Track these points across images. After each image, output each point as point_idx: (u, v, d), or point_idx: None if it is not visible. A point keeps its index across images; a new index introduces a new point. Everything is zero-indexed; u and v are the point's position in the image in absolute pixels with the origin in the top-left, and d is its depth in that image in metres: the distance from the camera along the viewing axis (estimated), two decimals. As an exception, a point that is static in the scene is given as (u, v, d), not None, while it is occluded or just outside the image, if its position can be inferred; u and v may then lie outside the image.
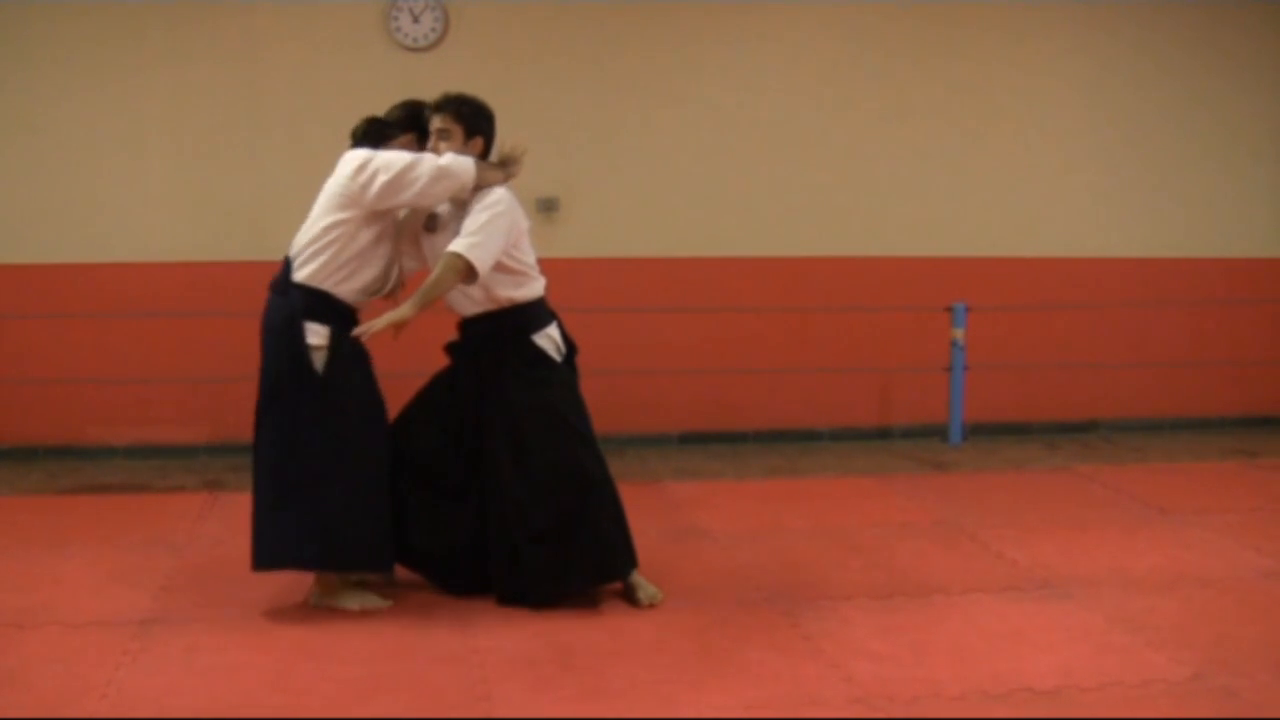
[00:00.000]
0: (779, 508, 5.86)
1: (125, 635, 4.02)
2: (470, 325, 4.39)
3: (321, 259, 4.12)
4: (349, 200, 4.10)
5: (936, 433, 7.62)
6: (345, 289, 4.17)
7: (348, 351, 4.16)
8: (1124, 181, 7.81)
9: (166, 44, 6.85)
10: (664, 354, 7.39)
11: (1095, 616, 4.29)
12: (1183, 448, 7.44)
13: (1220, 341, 7.99)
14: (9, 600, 4.36)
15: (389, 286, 4.37)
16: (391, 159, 4.11)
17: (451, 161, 4.13)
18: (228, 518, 5.42)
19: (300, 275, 4.14)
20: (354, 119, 7.00)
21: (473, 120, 4.30)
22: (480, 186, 4.19)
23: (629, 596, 4.40)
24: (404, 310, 4.08)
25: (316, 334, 4.12)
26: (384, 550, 4.29)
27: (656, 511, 5.73)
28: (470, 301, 4.31)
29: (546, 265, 7.69)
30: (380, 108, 7.09)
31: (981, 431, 7.62)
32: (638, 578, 4.43)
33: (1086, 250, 7.80)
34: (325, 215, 4.13)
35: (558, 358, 4.40)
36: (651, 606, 4.35)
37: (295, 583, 4.58)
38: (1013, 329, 7.68)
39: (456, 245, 4.10)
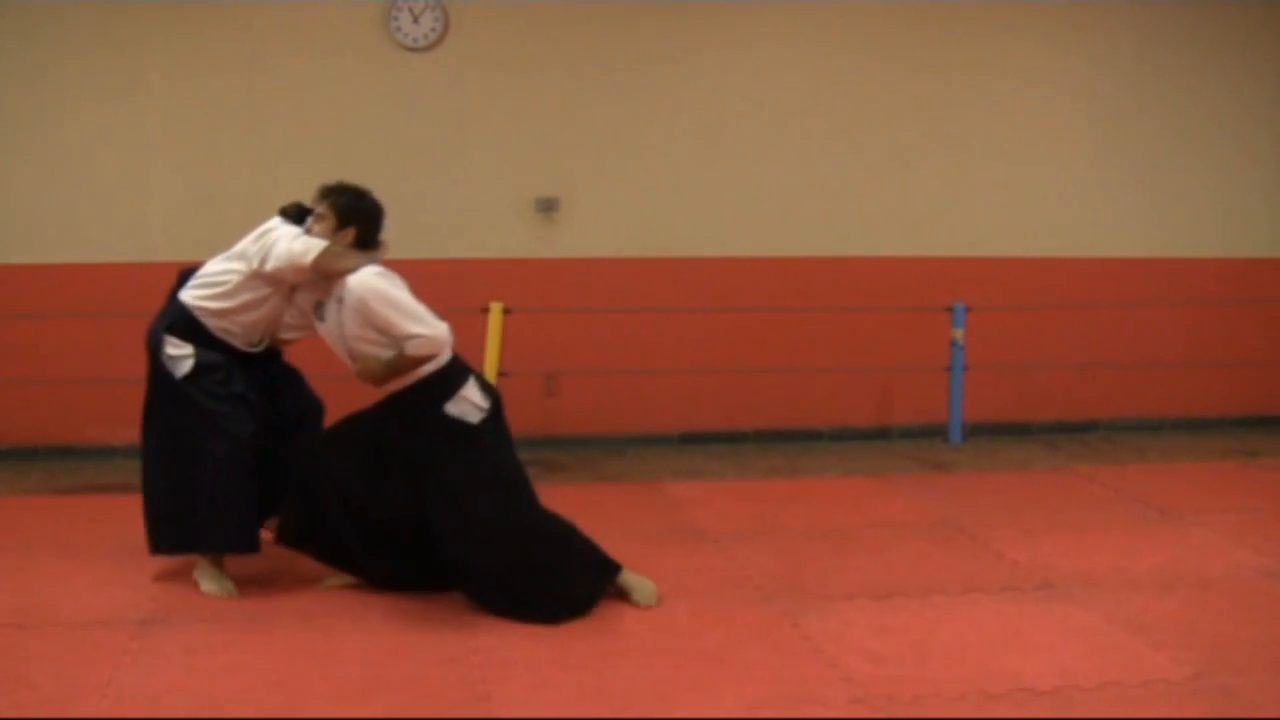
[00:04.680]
0: (779, 508, 5.85)
1: (125, 635, 4.02)
2: (389, 399, 4.39)
3: (206, 291, 4.51)
4: (246, 258, 4.48)
5: (936, 433, 7.62)
6: (213, 323, 4.52)
7: (206, 363, 4.47)
8: (1123, 182, 7.81)
9: (167, 44, 6.85)
10: (664, 354, 7.39)
11: (1095, 616, 4.29)
12: (1183, 448, 7.44)
13: (1219, 341, 7.99)
14: (9, 600, 4.36)
15: (254, 345, 4.64)
16: (281, 234, 4.43)
17: (298, 243, 4.36)
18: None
19: (185, 295, 4.54)
20: (354, 119, 7.08)
21: (345, 210, 4.44)
22: (338, 272, 4.30)
23: (626, 598, 4.40)
24: (367, 371, 4.28)
25: (176, 346, 4.48)
26: (215, 534, 4.46)
27: (656, 511, 5.74)
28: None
29: (546, 265, 7.73)
30: (380, 108, 7.15)
31: (981, 431, 7.62)
32: (630, 579, 4.42)
33: (1086, 250, 7.80)
34: (228, 260, 4.53)
35: (478, 416, 4.33)
36: (648, 607, 4.35)
37: (295, 582, 4.59)
38: (1013, 329, 7.68)
39: (412, 340, 4.16)
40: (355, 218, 4.43)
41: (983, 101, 7.61)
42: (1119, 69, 7.73)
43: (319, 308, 4.45)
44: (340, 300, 4.27)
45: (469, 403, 4.31)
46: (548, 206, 7.21)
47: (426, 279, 7.00)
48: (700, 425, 7.54)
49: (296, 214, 4.57)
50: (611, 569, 4.41)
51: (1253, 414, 8.06)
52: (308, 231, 4.44)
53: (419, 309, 4.24)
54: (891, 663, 3.85)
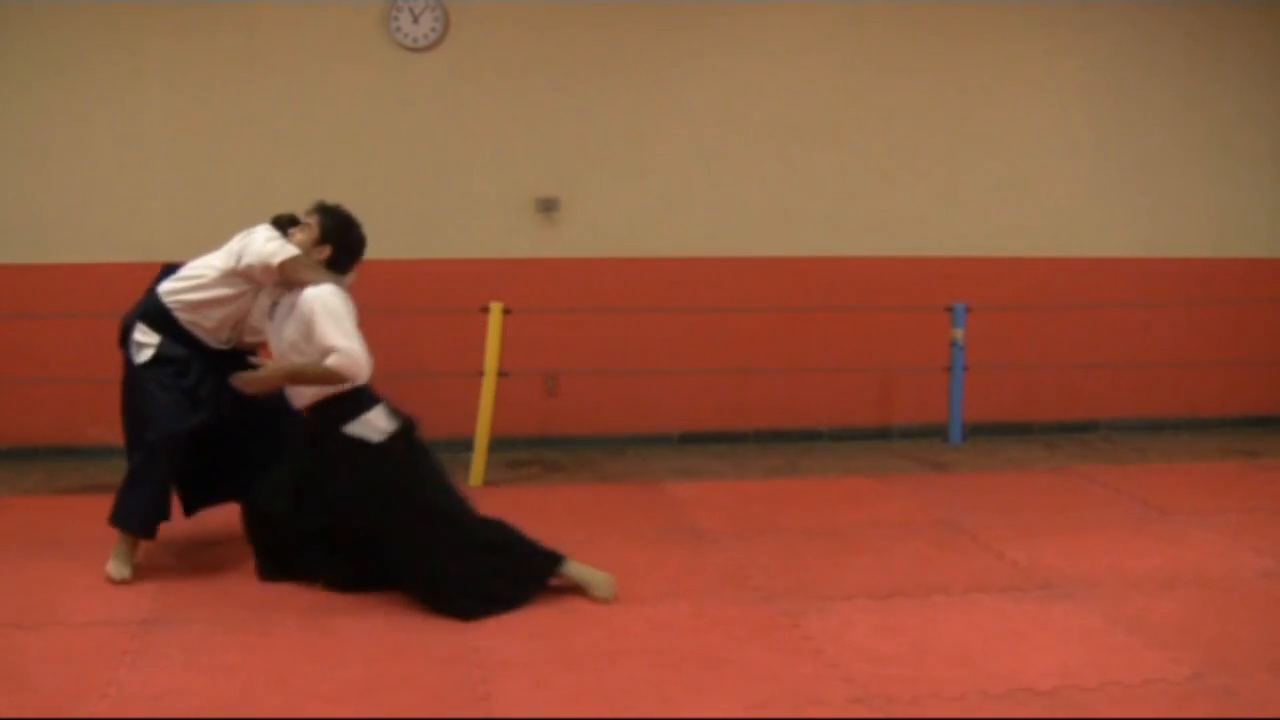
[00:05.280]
0: (779, 508, 5.86)
1: (125, 635, 4.02)
2: (306, 415, 4.50)
3: (182, 284, 4.69)
4: (227, 255, 4.65)
5: (936, 433, 7.62)
6: (184, 316, 4.67)
7: (166, 355, 4.64)
8: (1124, 181, 7.81)
9: (166, 44, 6.85)
10: (664, 354, 7.39)
11: (1095, 616, 4.29)
12: (1183, 448, 7.44)
13: (1220, 341, 7.99)
14: (9, 600, 4.37)
15: (222, 342, 4.77)
16: (260, 234, 4.60)
17: (272, 244, 4.50)
18: (227, 518, 5.41)
19: (162, 287, 4.72)
20: (354, 119, 7.08)
21: (328, 230, 4.56)
22: (299, 282, 4.42)
23: (585, 593, 4.42)
24: (272, 373, 4.41)
25: (145, 333, 4.67)
26: (150, 522, 4.64)
27: (656, 511, 5.74)
28: (297, 394, 4.47)
29: (546, 265, 7.73)
30: (380, 107, 7.15)
31: (981, 431, 7.62)
32: (585, 575, 4.42)
33: (1086, 250, 7.80)
34: (210, 256, 4.71)
35: (379, 436, 4.37)
36: (605, 601, 4.36)
37: (295, 583, 4.59)
38: (1013, 329, 7.68)
39: (336, 354, 4.24)
40: (337, 239, 4.55)
41: (983, 102, 7.61)
42: (1118, 70, 7.73)
43: (273, 308, 4.55)
44: (293, 305, 4.39)
45: (371, 426, 4.37)
46: (548, 206, 7.21)
47: (426, 279, 7.07)
48: (700, 425, 7.54)
49: (289, 223, 4.67)
50: (551, 563, 4.43)
51: (1253, 414, 8.06)
52: (289, 237, 4.56)
53: (354, 332, 4.33)
54: (891, 663, 3.85)
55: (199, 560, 4.86)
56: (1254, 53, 7.84)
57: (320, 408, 4.40)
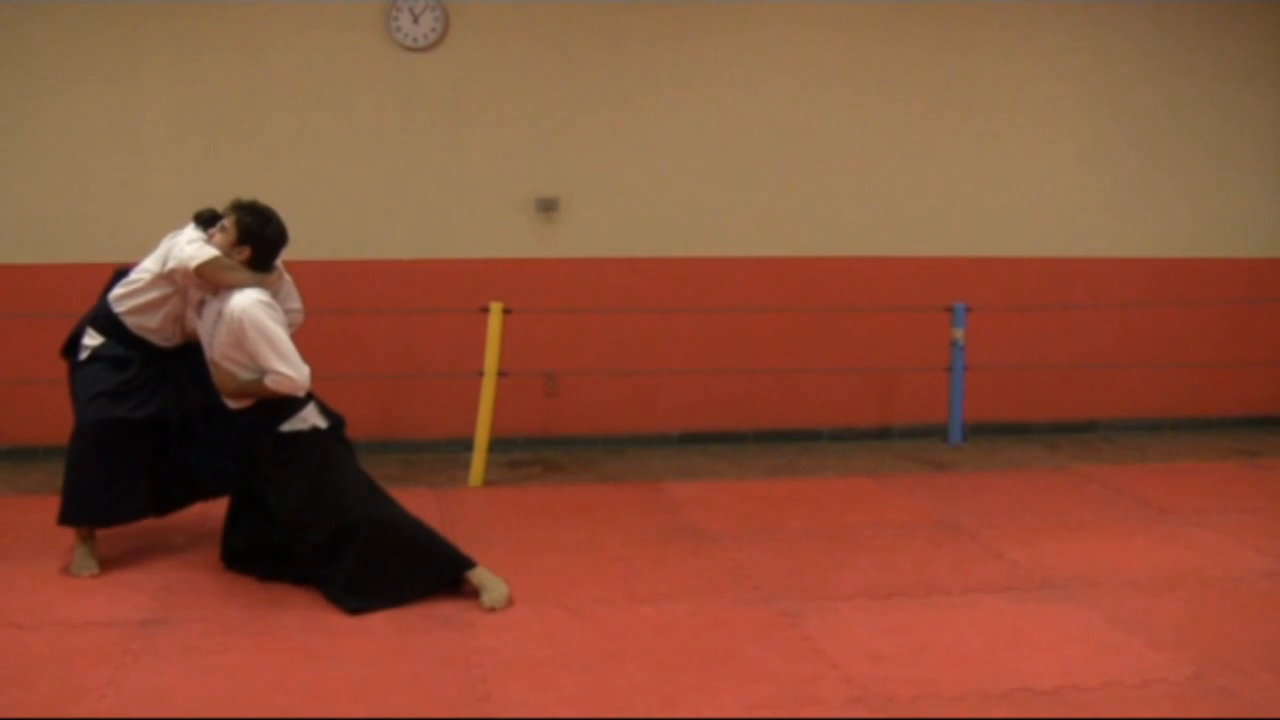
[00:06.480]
0: (779, 508, 5.86)
1: (125, 635, 4.02)
2: (236, 414, 4.55)
3: (124, 290, 4.75)
4: (156, 258, 4.70)
5: (936, 433, 7.62)
6: (130, 320, 4.73)
7: (104, 354, 4.71)
8: (1124, 181, 7.82)
9: (166, 44, 6.85)
10: (664, 354, 7.39)
11: (1095, 616, 4.29)
12: (1183, 448, 7.44)
13: (1220, 341, 7.99)
14: (9, 600, 4.37)
15: (170, 340, 4.79)
16: (182, 237, 4.62)
17: (191, 248, 4.50)
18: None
19: (112, 293, 4.79)
20: (354, 119, 7.08)
21: (245, 231, 4.54)
22: (222, 284, 4.47)
23: (477, 597, 4.39)
24: (221, 384, 4.49)
25: (92, 336, 4.77)
26: (77, 512, 4.70)
27: (656, 511, 5.74)
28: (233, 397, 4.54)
29: (546, 265, 7.72)
30: (380, 107, 7.14)
31: (981, 431, 7.62)
32: (484, 578, 4.40)
33: (1087, 250, 7.80)
34: (147, 259, 4.73)
35: (307, 427, 4.46)
36: (493, 608, 4.31)
37: (295, 583, 4.59)
38: (1013, 329, 7.68)
39: (274, 375, 4.33)
40: (253, 240, 4.54)
41: (983, 102, 7.61)
42: (1118, 70, 7.73)
43: (202, 304, 4.59)
44: (220, 314, 4.42)
45: (302, 420, 4.46)
46: (548, 206, 7.21)
47: (427, 279, 7.07)
48: (700, 425, 7.54)
49: (209, 220, 4.67)
50: (457, 566, 4.43)
51: (1253, 414, 8.06)
52: (209, 239, 4.55)
53: (289, 348, 4.38)
54: (891, 663, 3.85)
55: (199, 560, 4.86)
56: (1253, 53, 7.84)
57: (254, 409, 4.46)
